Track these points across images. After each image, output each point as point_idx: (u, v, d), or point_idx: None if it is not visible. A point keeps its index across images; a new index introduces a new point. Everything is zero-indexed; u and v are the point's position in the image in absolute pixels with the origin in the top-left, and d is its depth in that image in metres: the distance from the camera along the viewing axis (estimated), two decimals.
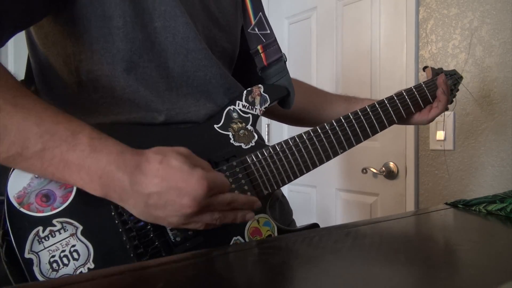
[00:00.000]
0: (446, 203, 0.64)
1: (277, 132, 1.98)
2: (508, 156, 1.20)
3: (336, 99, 0.86)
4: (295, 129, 0.81)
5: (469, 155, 1.28)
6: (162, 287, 0.30)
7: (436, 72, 0.79)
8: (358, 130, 0.64)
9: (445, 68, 0.84)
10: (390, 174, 1.49)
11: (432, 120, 0.75)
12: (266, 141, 1.65)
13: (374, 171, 1.51)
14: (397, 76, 1.47)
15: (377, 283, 0.30)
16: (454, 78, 0.82)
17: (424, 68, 0.82)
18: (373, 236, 0.47)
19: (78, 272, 0.45)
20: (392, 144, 1.49)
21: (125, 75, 0.54)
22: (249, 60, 0.69)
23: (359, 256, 0.40)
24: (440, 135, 1.34)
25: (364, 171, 1.53)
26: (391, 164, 1.48)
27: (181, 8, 0.56)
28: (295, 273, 0.34)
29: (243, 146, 0.59)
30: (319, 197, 1.77)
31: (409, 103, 0.71)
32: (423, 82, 0.75)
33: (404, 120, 0.73)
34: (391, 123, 0.69)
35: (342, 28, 1.68)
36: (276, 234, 0.57)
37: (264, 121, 2.02)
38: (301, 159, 0.60)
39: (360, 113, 0.65)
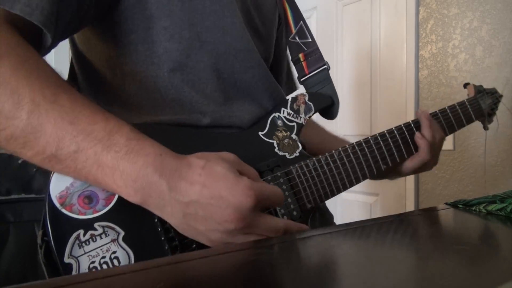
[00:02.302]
0: (446, 203, 0.64)
1: None
2: (508, 156, 1.20)
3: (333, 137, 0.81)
4: None
5: (469, 155, 1.28)
6: (162, 287, 0.30)
7: (478, 89, 0.76)
8: (401, 145, 0.63)
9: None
10: None
11: (409, 171, 0.66)
12: None
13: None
14: (397, 76, 1.47)
15: (376, 283, 0.30)
16: (494, 97, 0.78)
17: (465, 85, 0.78)
18: (373, 236, 0.47)
19: None
20: None
21: (171, 75, 0.52)
22: (276, 68, 0.68)
23: (358, 255, 0.40)
24: None
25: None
26: None
27: (229, 8, 0.55)
28: (289, 274, 0.34)
29: (287, 156, 0.56)
30: None
31: (453, 121, 0.69)
32: (467, 100, 0.72)
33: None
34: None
35: (342, 28, 1.68)
36: None
37: None
38: (345, 173, 0.58)
39: (404, 128, 0.64)
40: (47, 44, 0.44)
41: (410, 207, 1.43)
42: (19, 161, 0.77)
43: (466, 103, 0.72)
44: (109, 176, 0.39)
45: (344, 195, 1.70)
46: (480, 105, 0.74)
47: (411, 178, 1.42)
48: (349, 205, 1.67)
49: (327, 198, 0.57)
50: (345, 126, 1.66)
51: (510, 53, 1.19)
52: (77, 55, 0.58)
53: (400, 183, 1.46)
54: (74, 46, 0.58)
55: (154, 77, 0.52)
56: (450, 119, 0.69)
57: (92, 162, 0.38)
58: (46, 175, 0.46)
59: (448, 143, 1.33)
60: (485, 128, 0.80)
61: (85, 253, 0.43)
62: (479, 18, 1.25)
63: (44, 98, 0.38)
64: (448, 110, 0.69)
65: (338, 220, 1.72)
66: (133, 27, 0.51)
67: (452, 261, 0.36)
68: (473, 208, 0.58)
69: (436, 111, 0.68)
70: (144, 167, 0.38)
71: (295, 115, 0.59)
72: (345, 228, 0.48)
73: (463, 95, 1.29)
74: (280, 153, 0.56)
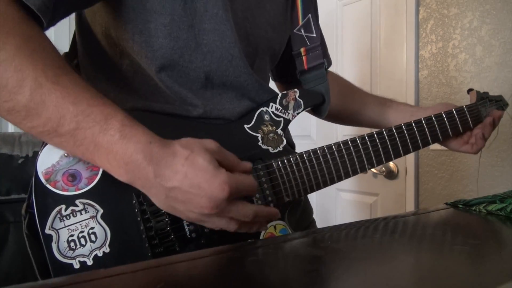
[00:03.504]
0: (446, 203, 0.64)
1: None
2: (508, 156, 1.20)
3: (371, 101, 0.83)
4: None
5: (469, 155, 1.28)
6: (162, 287, 0.30)
7: (481, 96, 0.74)
8: (389, 147, 0.62)
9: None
10: (390, 174, 1.49)
11: (460, 151, 0.73)
12: None
13: (374, 171, 1.51)
14: (397, 76, 1.47)
15: (376, 283, 0.30)
16: (499, 105, 0.77)
17: (469, 91, 0.76)
18: (373, 236, 0.47)
19: (93, 254, 0.46)
20: None
21: (161, 72, 0.54)
22: (292, 61, 0.68)
23: (358, 255, 0.40)
24: None
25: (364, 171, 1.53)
26: (391, 164, 1.48)
27: (231, 13, 0.56)
28: (288, 273, 0.34)
29: (271, 150, 0.58)
30: (319, 196, 1.77)
31: (448, 126, 0.68)
32: (466, 106, 0.71)
33: (439, 142, 0.70)
34: (425, 144, 0.66)
35: (342, 28, 1.68)
36: None
37: None
38: (327, 170, 0.58)
39: (394, 130, 0.63)
40: (43, 26, 0.45)
41: (410, 207, 1.43)
42: (19, 161, 0.77)
43: (465, 109, 0.70)
44: (103, 156, 0.42)
45: (344, 194, 1.71)
46: (479, 112, 0.72)
47: (411, 178, 1.42)
48: (349, 205, 1.67)
49: (306, 193, 0.58)
50: (345, 126, 1.66)
51: (510, 53, 1.19)
52: (82, 28, 0.59)
53: (400, 183, 1.47)
54: (79, 17, 0.59)
55: (147, 69, 0.54)
56: (445, 125, 0.68)
57: (89, 141, 0.42)
58: None
59: None
60: None
61: (65, 226, 0.47)
62: (479, 18, 1.25)
63: (47, 78, 0.40)
64: (444, 116, 0.68)
65: (338, 220, 1.72)
66: (133, 16, 0.52)
67: (452, 261, 0.36)
68: (473, 208, 0.59)
69: (430, 116, 0.67)
70: (135, 153, 0.41)
71: (283, 110, 0.60)
72: (345, 228, 0.48)
73: (463, 95, 1.29)
74: (264, 147, 0.58)
